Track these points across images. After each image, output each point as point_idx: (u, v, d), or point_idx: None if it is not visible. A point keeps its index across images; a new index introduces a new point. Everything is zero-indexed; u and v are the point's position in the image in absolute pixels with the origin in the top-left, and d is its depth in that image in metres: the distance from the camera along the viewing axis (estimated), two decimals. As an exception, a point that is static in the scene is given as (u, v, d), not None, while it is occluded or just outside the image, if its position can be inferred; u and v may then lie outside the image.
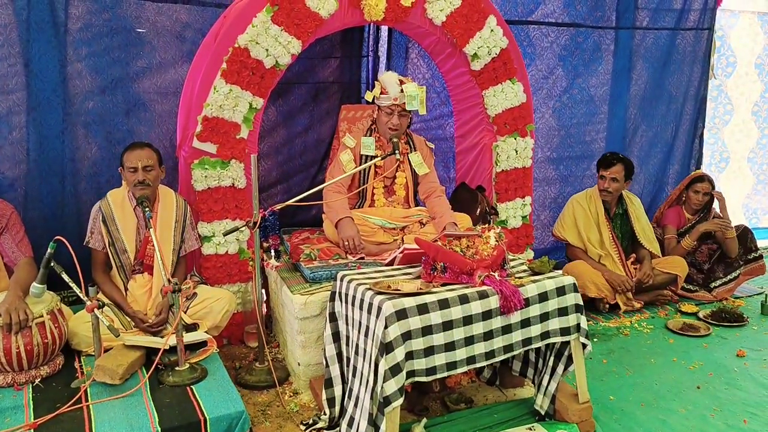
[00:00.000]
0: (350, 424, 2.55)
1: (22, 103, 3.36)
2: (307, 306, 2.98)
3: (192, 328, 3.00)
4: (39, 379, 2.61)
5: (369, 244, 3.43)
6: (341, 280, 2.72)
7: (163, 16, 3.62)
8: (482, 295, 2.46)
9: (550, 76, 4.72)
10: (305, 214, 4.30)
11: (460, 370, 2.43)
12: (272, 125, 4.18)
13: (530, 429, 2.68)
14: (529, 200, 4.26)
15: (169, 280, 2.66)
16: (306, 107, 4.27)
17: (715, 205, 4.62)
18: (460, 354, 2.41)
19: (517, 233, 4.21)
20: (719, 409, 2.95)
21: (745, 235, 4.64)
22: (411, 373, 2.33)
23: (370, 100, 3.62)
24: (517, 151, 4.10)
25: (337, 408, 2.72)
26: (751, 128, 6.01)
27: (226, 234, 3.25)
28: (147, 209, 2.94)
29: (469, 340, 2.43)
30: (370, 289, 2.49)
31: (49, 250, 2.51)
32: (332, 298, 2.79)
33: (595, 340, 3.75)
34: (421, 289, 2.49)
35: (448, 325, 2.38)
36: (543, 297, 2.59)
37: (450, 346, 2.39)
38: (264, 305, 3.78)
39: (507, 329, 2.52)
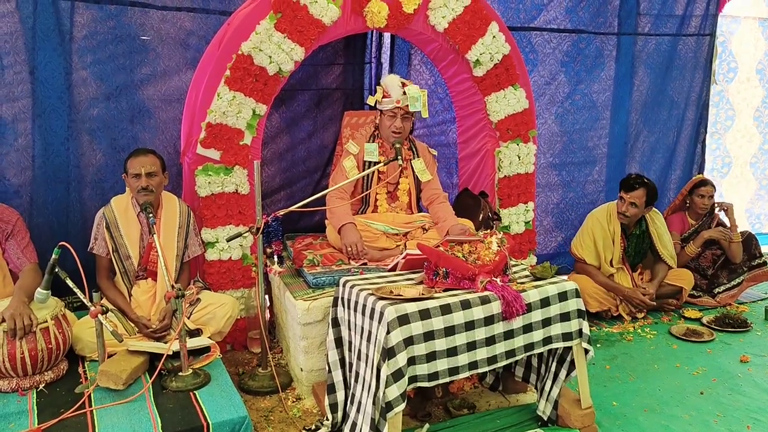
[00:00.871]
0: (353, 430, 2.56)
1: (28, 110, 3.39)
2: (310, 311, 2.99)
3: (195, 333, 3.02)
4: (43, 385, 2.62)
5: (372, 249, 3.44)
6: (344, 285, 2.73)
7: (167, 24, 3.64)
8: (484, 301, 2.46)
9: (553, 81, 4.73)
10: (308, 219, 4.32)
11: (462, 376, 2.43)
12: (276, 131, 4.20)
13: (533, 434, 2.68)
14: (532, 206, 4.26)
15: (172, 286, 2.67)
16: (309, 114, 4.29)
17: (722, 215, 4.62)
18: (462, 359, 2.42)
19: (519, 239, 4.22)
20: (722, 415, 2.94)
21: (749, 241, 4.64)
22: (413, 379, 2.34)
23: (373, 105, 3.63)
24: (519, 157, 4.11)
25: (340, 413, 2.73)
26: (753, 134, 6.01)
27: (229, 240, 3.26)
28: (151, 215, 2.96)
29: (471, 346, 2.43)
30: (372, 294, 2.50)
31: (53, 256, 2.52)
32: (335, 304, 2.80)
33: (598, 345, 3.74)
34: (423, 294, 2.50)
35: (450, 331, 2.39)
36: (545, 302, 2.60)
37: (452, 352, 2.40)
38: (267, 311, 3.80)
39: (509, 334, 2.52)
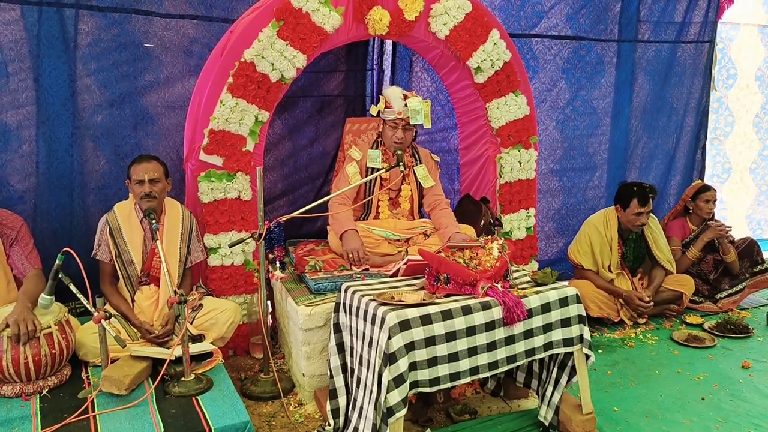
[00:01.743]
0: (354, 435, 2.57)
1: (32, 117, 3.42)
2: (312, 317, 3.00)
3: (198, 339, 3.03)
4: (46, 390, 2.63)
5: (373, 255, 3.45)
6: (345, 291, 2.75)
7: (170, 32, 3.68)
8: (485, 306, 2.47)
9: (554, 88, 4.76)
10: (310, 225, 4.34)
11: (463, 381, 2.44)
12: (278, 138, 4.22)
13: (534, 440, 2.69)
14: (533, 212, 4.28)
15: (175, 292, 2.69)
16: (311, 120, 4.32)
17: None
18: (464, 365, 2.43)
19: (521, 245, 4.23)
20: (724, 421, 2.94)
21: (751, 247, 4.64)
22: (414, 384, 2.35)
23: (375, 114, 3.66)
24: (520, 163, 4.13)
25: (342, 419, 2.73)
26: (753, 140, 6.03)
27: (231, 245, 3.28)
28: (153, 221, 2.97)
29: (473, 351, 2.44)
30: (373, 300, 2.51)
31: (57, 262, 2.54)
32: (336, 309, 2.81)
33: (599, 351, 3.75)
34: (424, 300, 2.51)
35: (451, 336, 2.40)
36: (546, 308, 2.61)
37: (453, 357, 2.41)
38: (269, 316, 3.81)
39: (510, 340, 2.53)
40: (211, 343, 3.05)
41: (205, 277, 3.48)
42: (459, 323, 2.41)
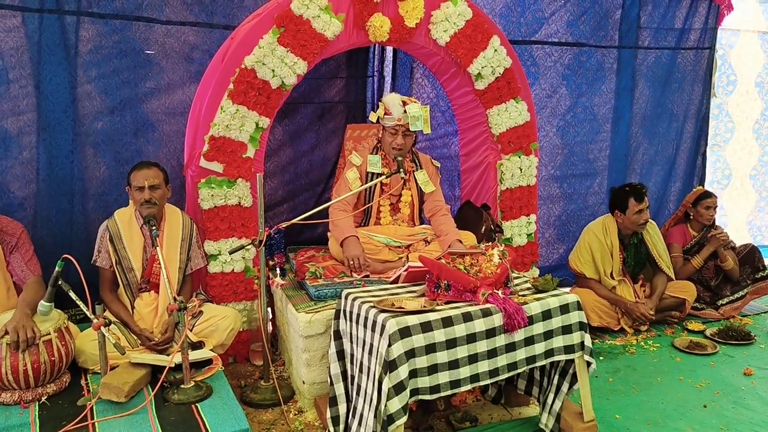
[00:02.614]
0: (355, 443, 2.55)
1: (33, 124, 3.42)
2: (312, 324, 2.99)
3: (198, 346, 3.02)
4: (45, 397, 2.62)
5: (374, 262, 3.44)
6: (346, 298, 2.74)
7: (171, 38, 3.68)
8: (486, 313, 2.47)
9: (554, 94, 4.76)
10: (311, 232, 4.33)
11: (464, 389, 2.43)
12: (279, 144, 4.22)
13: (535, 448, 2.67)
14: (534, 218, 4.27)
15: (174, 299, 2.68)
16: (312, 127, 4.32)
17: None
18: (464, 372, 2.42)
19: (522, 251, 4.22)
20: (726, 428, 2.93)
21: (752, 254, 4.63)
22: (415, 392, 2.34)
23: (375, 121, 3.66)
24: (521, 170, 4.13)
25: (342, 426, 2.72)
26: (753, 146, 6.03)
27: (232, 252, 3.28)
28: (153, 228, 2.97)
29: (473, 358, 2.43)
30: (374, 307, 2.51)
31: (56, 269, 2.54)
32: (337, 316, 2.80)
33: (601, 358, 3.73)
34: (424, 307, 2.51)
35: (451, 343, 2.39)
36: (546, 315, 2.60)
37: (454, 364, 2.40)
38: (270, 323, 3.80)
39: (511, 347, 2.52)
40: (211, 350, 3.04)
41: (205, 284, 3.48)
42: (459, 330, 2.40)
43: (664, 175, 5.32)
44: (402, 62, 4.42)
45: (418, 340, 2.33)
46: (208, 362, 2.92)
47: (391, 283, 3.05)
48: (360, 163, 3.63)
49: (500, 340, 2.49)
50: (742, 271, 4.58)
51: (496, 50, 3.86)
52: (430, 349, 2.35)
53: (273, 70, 3.33)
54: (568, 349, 2.65)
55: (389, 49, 4.40)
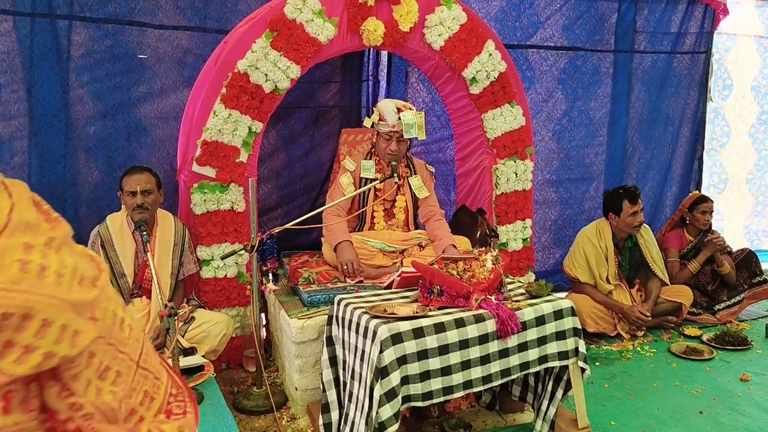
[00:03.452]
0: (346, 450, 2.53)
1: (25, 129, 3.40)
2: (305, 330, 2.97)
3: (190, 352, 2.99)
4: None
5: (368, 267, 3.42)
6: (338, 303, 2.72)
7: (164, 43, 3.67)
8: (479, 319, 2.44)
9: (550, 99, 4.75)
10: (305, 237, 4.31)
11: (456, 395, 2.41)
12: (273, 149, 4.20)
13: (529, 455, 2.65)
14: (530, 223, 4.25)
15: (165, 305, 2.66)
16: (306, 131, 4.30)
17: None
18: (457, 378, 2.39)
19: (518, 256, 4.20)
20: (722, 435, 2.91)
21: (749, 258, 4.61)
22: (407, 398, 2.31)
23: (369, 126, 3.64)
24: (516, 174, 4.11)
25: (334, 433, 2.70)
26: (749, 150, 6.01)
27: (224, 257, 3.25)
28: (144, 233, 2.95)
29: (466, 365, 2.41)
30: (366, 312, 2.48)
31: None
32: (329, 322, 2.78)
33: (597, 364, 3.71)
34: (417, 312, 2.48)
35: (444, 350, 2.36)
36: (540, 321, 2.58)
37: (446, 371, 2.37)
38: (263, 329, 3.77)
39: (504, 353, 2.50)
40: (204, 356, 3.02)
41: (198, 290, 3.45)
42: (452, 336, 2.38)
43: (661, 180, 5.30)
44: (397, 66, 4.41)
45: (410, 347, 2.31)
46: (200, 368, 2.90)
47: (385, 288, 3.03)
48: (353, 168, 3.61)
49: (493, 346, 2.46)
50: (738, 275, 4.56)
51: (490, 54, 3.85)
52: (423, 355, 2.33)
53: (266, 75, 3.32)
54: (562, 355, 2.63)
55: (384, 54, 4.38)
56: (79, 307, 0.71)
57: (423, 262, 2.78)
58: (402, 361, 2.29)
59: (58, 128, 3.45)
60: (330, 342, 2.76)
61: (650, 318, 4.08)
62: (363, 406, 2.37)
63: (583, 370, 2.69)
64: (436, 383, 2.35)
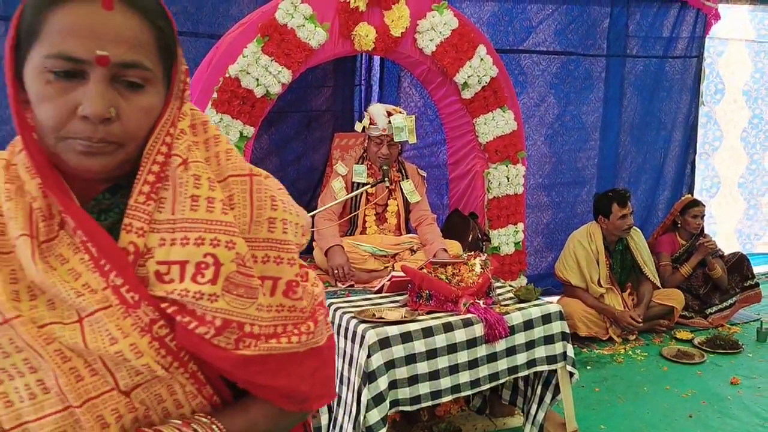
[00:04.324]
0: (335, 455, 2.53)
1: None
2: (295, 334, 2.97)
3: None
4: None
5: (359, 271, 3.43)
6: (327, 308, 2.72)
7: (156, 47, 3.67)
8: (467, 323, 2.45)
9: (542, 103, 4.76)
10: (297, 241, 4.31)
11: (444, 399, 2.41)
12: (265, 153, 4.21)
13: (518, 459, 2.66)
14: (522, 227, 4.26)
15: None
16: (299, 135, 4.31)
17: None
18: (445, 383, 2.40)
19: (510, 260, 4.21)
20: (711, 439, 2.92)
21: (741, 262, 4.63)
22: (395, 403, 2.32)
23: (361, 131, 3.65)
24: (508, 178, 4.12)
25: (324, 438, 2.70)
26: (741, 154, 6.04)
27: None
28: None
29: (454, 369, 2.42)
30: (354, 317, 2.49)
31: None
32: (319, 327, 2.78)
33: (588, 367, 3.72)
34: (405, 317, 2.49)
35: (432, 354, 2.37)
36: (528, 325, 2.59)
37: (434, 375, 2.38)
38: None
39: (492, 357, 2.50)
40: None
41: (189, 294, 3.45)
42: (440, 341, 2.39)
43: (653, 184, 5.32)
44: (389, 71, 4.42)
45: (398, 351, 2.32)
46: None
47: (375, 292, 3.03)
48: (345, 172, 3.62)
49: (481, 351, 2.47)
50: (730, 279, 4.58)
51: (482, 59, 3.86)
52: (411, 359, 2.34)
53: (257, 79, 3.32)
54: (551, 359, 2.64)
55: (376, 58, 4.40)
56: None
57: (413, 267, 2.79)
58: (390, 365, 2.30)
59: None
60: (320, 346, 2.76)
61: (642, 324, 4.09)
62: (351, 410, 2.38)
63: (571, 374, 2.70)
64: (424, 387, 2.36)
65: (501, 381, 2.54)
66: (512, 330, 2.54)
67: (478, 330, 2.46)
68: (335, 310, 2.64)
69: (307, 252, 3.96)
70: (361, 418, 2.26)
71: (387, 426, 2.28)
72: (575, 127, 4.91)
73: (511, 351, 2.55)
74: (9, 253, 0.80)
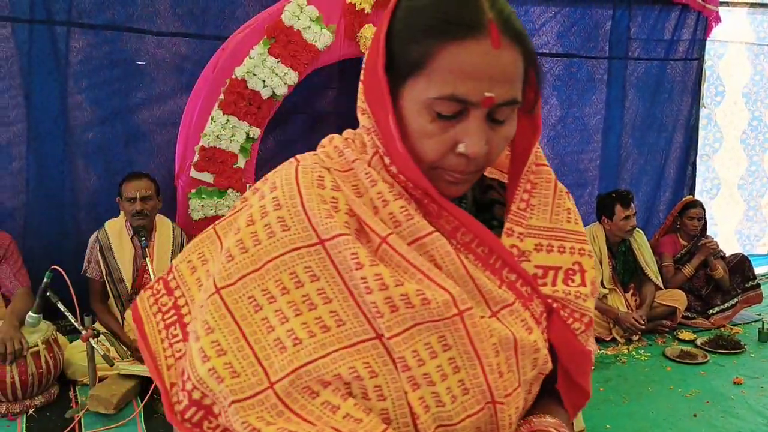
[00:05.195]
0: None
1: (23, 135, 3.41)
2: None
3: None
4: (33, 409, 2.61)
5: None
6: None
7: (162, 49, 3.69)
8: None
9: (545, 105, 4.79)
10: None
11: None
12: (271, 154, 4.22)
13: (526, 458, 2.66)
14: (525, 228, 4.28)
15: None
16: (304, 137, 4.32)
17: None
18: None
19: (512, 261, 4.22)
20: (716, 438, 2.94)
21: (742, 263, 4.64)
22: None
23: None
24: (511, 180, 4.14)
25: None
26: (741, 156, 6.07)
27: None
28: (143, 239, 2.96)
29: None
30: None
31: (45, 280, 2.52)
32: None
33: (592, 368, 3.73)
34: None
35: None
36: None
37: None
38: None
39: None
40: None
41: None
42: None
43: (654, 185, 5.35)
44: (394, 73, 4.44)
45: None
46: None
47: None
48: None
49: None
50: (732, 280, 4.59)
51: (486, 61, 3.88)
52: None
53: (263, 81, 3.34)
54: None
55: (381, 60, 4.41)
56: None
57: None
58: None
59: (57, 134, 3.47)
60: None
61: (645, 325, 4.11)
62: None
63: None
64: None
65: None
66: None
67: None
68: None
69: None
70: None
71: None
72: (578, 128, 4.93)
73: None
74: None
